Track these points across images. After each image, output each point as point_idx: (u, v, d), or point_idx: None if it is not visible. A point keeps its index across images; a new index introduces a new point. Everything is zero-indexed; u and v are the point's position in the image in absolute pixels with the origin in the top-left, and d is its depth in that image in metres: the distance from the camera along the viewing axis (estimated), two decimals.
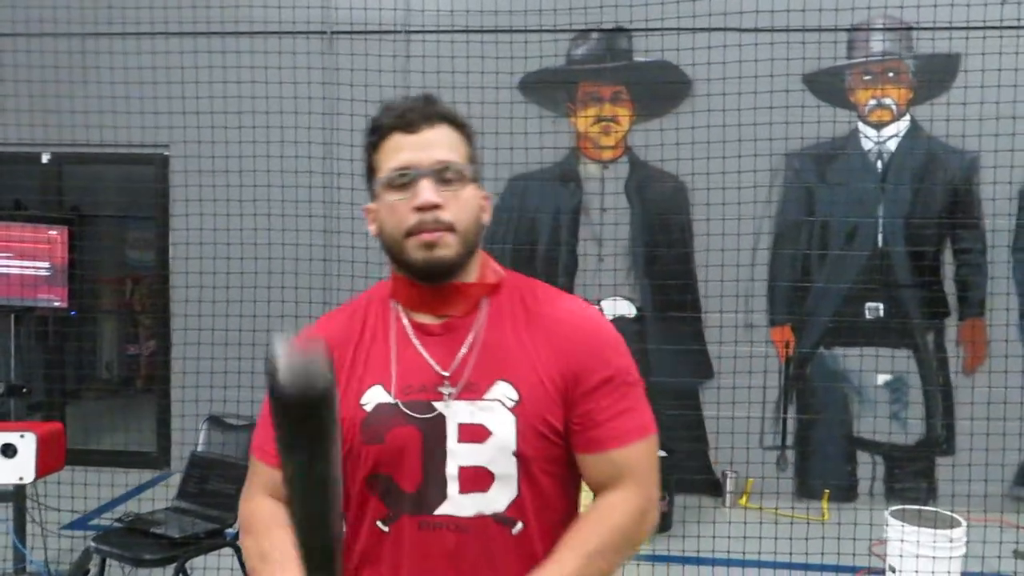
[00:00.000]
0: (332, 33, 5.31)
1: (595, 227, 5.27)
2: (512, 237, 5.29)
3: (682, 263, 5.21)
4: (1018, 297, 4.97)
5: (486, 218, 1.24)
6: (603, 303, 5.25)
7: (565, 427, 1.20)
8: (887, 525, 3.54)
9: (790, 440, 5.19)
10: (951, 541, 3.38)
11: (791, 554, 3.96)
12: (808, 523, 4.43)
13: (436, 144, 1.17)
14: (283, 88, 5.25)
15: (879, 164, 5.09)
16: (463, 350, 1.19)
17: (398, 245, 1.18)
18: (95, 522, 4.51)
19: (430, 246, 1.15)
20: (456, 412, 1.17)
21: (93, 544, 3.24)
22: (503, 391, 1.17)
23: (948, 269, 5.06)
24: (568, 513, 1.25)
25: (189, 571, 3.43)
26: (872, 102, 5.08)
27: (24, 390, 3.45)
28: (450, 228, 1.16)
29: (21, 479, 2.58)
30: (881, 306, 5.09)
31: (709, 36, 5.00)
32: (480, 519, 1.16)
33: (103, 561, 3.29)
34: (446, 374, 1.18)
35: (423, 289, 1.21)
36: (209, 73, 5.27)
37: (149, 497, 4.98)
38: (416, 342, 1.21)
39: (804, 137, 5.01)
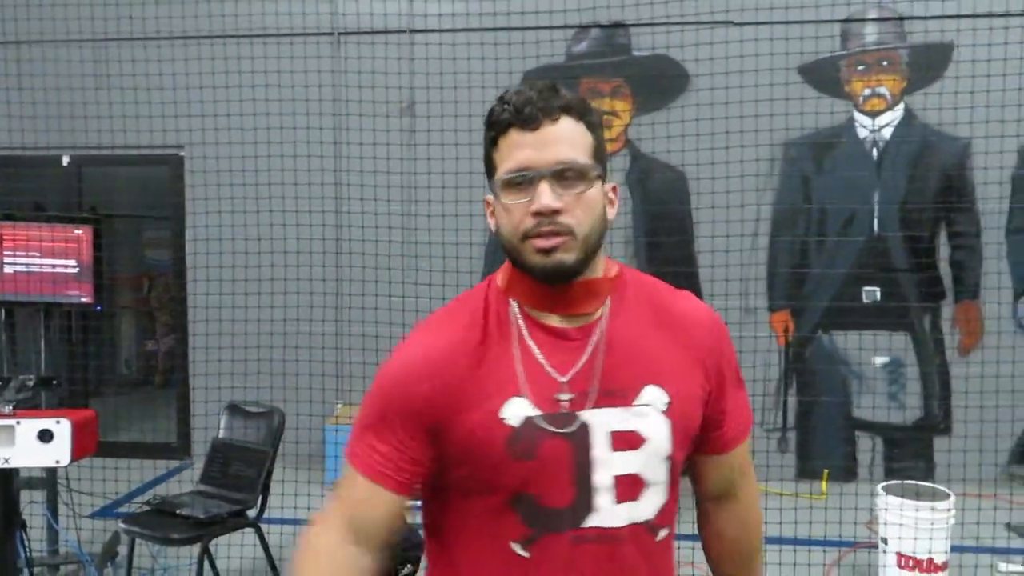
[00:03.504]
0: (340, 35, 5.47)
1: None
2: None
3: (683, 251, 5.36)
4: (1011, 279, 5.10)
5: (612, 213, 1.14)
6: None
7: (703, 430, 1.19)
8: (877, 498, 3.67)
9: (790, 422, 5.34)
10: (936, 511, 3.50)
11: (795, 525, 4.10)
12: (808, 501, 4.57)
13: (557, 141, 1.07)
14: (294, 91, 5.43)
15: (874, 152, 5.21)
16: (589, 353, 1.11)
17: (515, 248, 1.09)
18: (122, 509, 4.71)
19: (548, 252, 1.06)
20: (607, 420, 1.09)
21: (123, 525, 3.43)
22: (654, 395, 1.11)
23: (943, 253, 5.18)
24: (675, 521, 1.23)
25: (213, 551, 3.63)
26: (867, 92, 5.20)
27: (54, 382, 3.63)
28: (570, 232, 1.06)
29: (57, 462, 2.75)
30: (878, 290, 5.22)
31: (711, 31, 5.13)
32: (632, 527, 1.11)
33: (132, 541, 3.48)
34: (565, 380, 1.10)
35: (548, 289, 1.11)
36: (224, 78, 5.44)
37: (172, 484, 5.18)
38: (537, 348, 1.11)
39: (802, 127, 5.15)
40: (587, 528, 1.08)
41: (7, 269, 3.47)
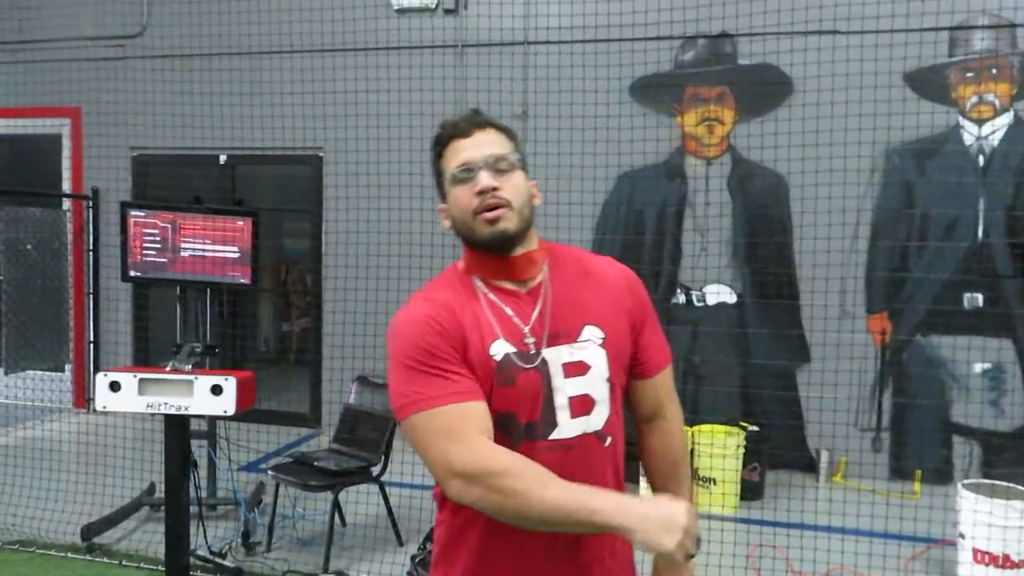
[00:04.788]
0: (463, 47, 5.98)
1: (699, 219, 5.70)
2: (622, 228, 5.78)
3: (781, 253, 5.55)
4: None
5: (537, 200, 1.49)
6: (705, 289, 5.68)
7: (630, 358, 1.51)
8: (958, 496, 3.82)
9: (885, 422, 5.44)
10: (1013, 509, 3.61)
11: (885, 520, 4.27)
12: (899, 500, 4.69)
13: (487, 143, 1.43)
14: (422, 95, 5.97)
15: (980, 158, 5.24)
16: (539, 307, 1.43)
17: (467, 226, 1.42)
18: (263, 466, 5.39)
19: (493, 222, 1.39)
20: (558, 355, 1.41)
21: (271, 472, 4.04)
22: (592, 332, 1.44)
23: None
24: (624, 430, 1.54)
25: (342, 506, 4.18)
26: (974, 98, 5.23)
27: (216, 350, 4.28)
28: (508, 205, 1.40)
29: (225, 411, 3.33)
30: (980, 296, 5.25)
31: (817, 40, 5.27)
32: (584, 437, 1.42)
33: (277, 487, 4.09)
34: (527, 327, 1.41)
35: (499, 260, 1.44)
36: (359, 84, 6.06)
37: (305, 447, 5.84)
38: (503, 305, 1.43)
39: (905, 134, 5.26)
40: (552, 440, 1.40)
41: (184, 253, 4.13)
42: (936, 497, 4.84)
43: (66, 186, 7.00)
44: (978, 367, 5.28)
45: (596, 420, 1.44)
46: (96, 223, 6.84)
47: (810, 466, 5.46)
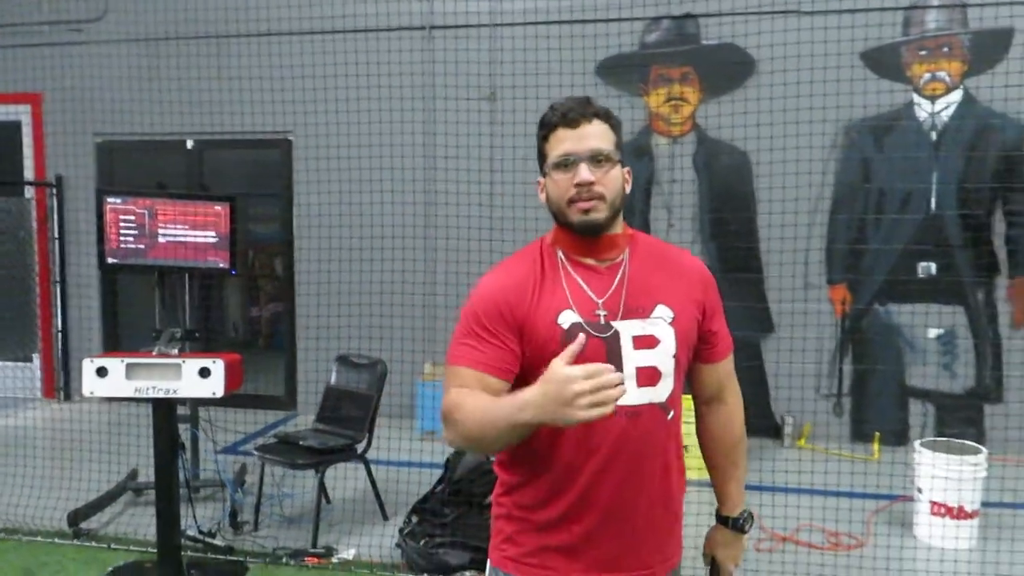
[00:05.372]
0: (430, 30, 6.02)
1: (666, 196, 5.85)
2: None
3: (746, 228, 5.74)
4: None
5: (627, 188, 1.58)
6: None
7: (697, 342, 1.61)
8: (915, 453, 4.04)
9: (846, 388, 5.68)
10: (966, 464, 3.85)
11: (850, 477, 4.50)
12: (860, 462, 4.93)
13: (591, 136, 1.49)
14: (390, 79, 6.01)
15: (933, 134, 5.46)
16: (616, 283, 1.53)
17: (561, 210, 1.52)
18: (243, 448, 5.44)
19: (586, 211, 1.49)
20: (630, 328, 1.50)
21: (256, 452, 4.10)
22: (663, 311, 1.53)
23: (998, 230, 5.41)
24: (681, 408, 1.63)
25: (327, 484, 4.26)
26: (927, 76, 5.45)
27: (196, 335, 4.31)
28: (601, 197, 1.49)
29: (214, 393, 3.39)
30: (933, 265, 5.49)
31: (779, 20, 5.44)
32: (649, 406, 1.51)
33: (263, 466, 4.16)
34: (600, 300, 1.51)
35: (584, 240, 1.54)
36: (328, 70, 6.07)
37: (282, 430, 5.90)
38: (580, 280, 1.53)
39: (864, 110, 5.46)
40: (618, 406, 1.36)
41: (161, 239, 4.15)
42: (896, 457, 5.09)
43: (28, 174, 6.90)
44: (932, 333, 5.54)
45: (661, 391, 1.52)
46: (61, 211, 6.77)
47: (776, 432, 5.69)
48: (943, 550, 3.85)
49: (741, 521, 1.73)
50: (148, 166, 6.74)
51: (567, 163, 1.49)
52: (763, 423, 5.70)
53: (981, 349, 5.47)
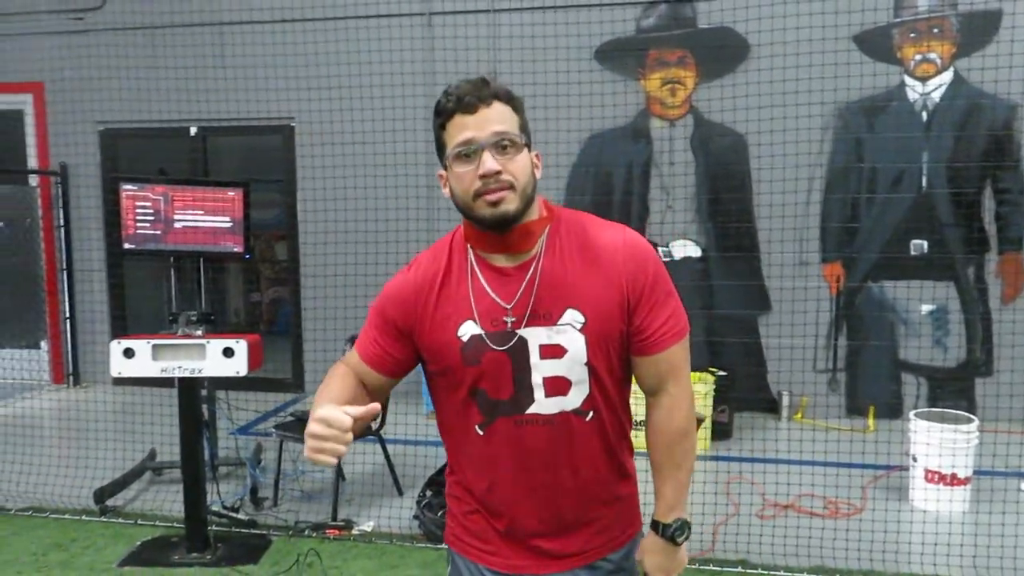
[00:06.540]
0: (430, 16, 6.10)
1: (664, 178, 5.97)
2: (591, 188, 6.03)
3: (742, 208, 5.87)
4: None
5: (539, 173, 1.45)
6: (672, 244, 5.98)
7: (626, 335, 1.46)
8: (909, 423, 4.21)
9: (841, 364, 5.85)
10: (959, 432, 4.02)
11: (849, 453, 4.66)
12: (857, 434, 5.09)
13: (492, 120, 1.35)
14: (392, 65, 6.10)
15: (924, 114, 5.60)
16: (525, 285, 1.42)
17: (468, 205, 1.39)
18: (256, 428, 5.56)
19: (495, 203, 1.36)
20: (536, 335, 1.41)
21: (275, 430, 4.23)
22: (572, 316, 1.41)
23: (988, 209, 5.57)
24: (624, 399, 1.54)
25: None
26: (918, 57, 5.58)
27: (212, 317, 4.42)
28: (511, 187, 1.36)
29: (237, 372, 3.52)
30: (925, 242, 5.65)
31: (774, 4, 5.54)
32: (562, 414, 1.44)
33: (281, 444, 4.29)
34: (508, 306, 1.42)
35: (495, 235, 1.41)
36: (336, 56, 6.16)
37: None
38: (486, 284, 1.43)
39: (857, 92, 5.59)
40: (527, 414, 1.44)
41: (177, 224, 4.24)
42: (890, 431, 5.26)
43: (31, 163, 6.96)
44: (924, 309, 5.70)
45: (574, 399, 1.44)
46: (67, 199, 6.83)
47: (773, 407, 5.85)
48: (938, 513, 4.02)
49: (672, 530, 1.52)
50: (152, 153, 6.81)
51: (469, 152, 1.36)
52: (761, 399, 5.86)
53: (972, 324, 5.64)
